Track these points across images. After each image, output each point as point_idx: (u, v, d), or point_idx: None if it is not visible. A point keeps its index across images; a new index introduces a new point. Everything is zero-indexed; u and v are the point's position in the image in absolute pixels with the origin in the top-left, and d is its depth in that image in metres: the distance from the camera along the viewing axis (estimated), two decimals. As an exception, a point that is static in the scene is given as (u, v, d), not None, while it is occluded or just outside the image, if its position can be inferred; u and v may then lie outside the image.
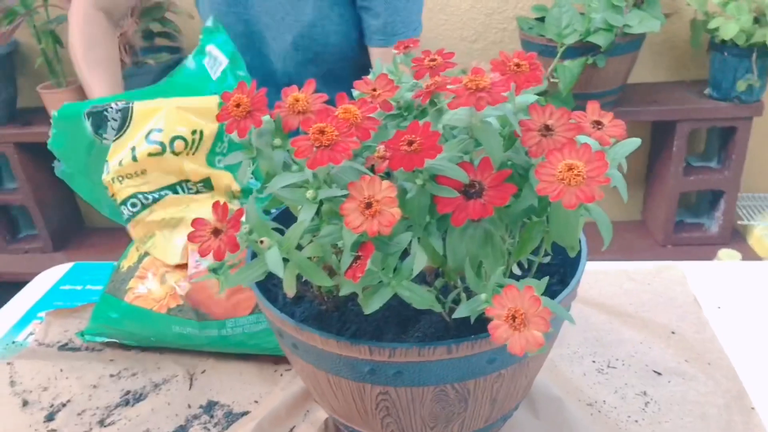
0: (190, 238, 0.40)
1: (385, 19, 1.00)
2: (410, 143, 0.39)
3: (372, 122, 0.42)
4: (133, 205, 0.72)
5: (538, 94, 0.46)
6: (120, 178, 0.71)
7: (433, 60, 0.49)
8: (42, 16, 1.80)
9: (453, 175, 0.39)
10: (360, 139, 0.40)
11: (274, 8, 1.00)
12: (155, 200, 0.72)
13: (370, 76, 0.50)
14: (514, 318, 0.36)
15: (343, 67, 1.07)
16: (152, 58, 1.78)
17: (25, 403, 0.68)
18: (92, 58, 0.98)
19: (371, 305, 0.42)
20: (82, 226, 2.20)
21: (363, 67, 1.08)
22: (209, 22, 0.79)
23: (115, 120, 0.71)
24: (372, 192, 0.38)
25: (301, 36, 0.99)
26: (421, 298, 0.41)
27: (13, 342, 0.80)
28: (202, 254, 0.39)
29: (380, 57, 0.97)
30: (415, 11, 1.05)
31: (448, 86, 0.42)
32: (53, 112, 0.74)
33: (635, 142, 0.43)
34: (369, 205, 0.38)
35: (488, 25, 1.88)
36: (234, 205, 0.63)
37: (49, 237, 2.04)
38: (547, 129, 0.41)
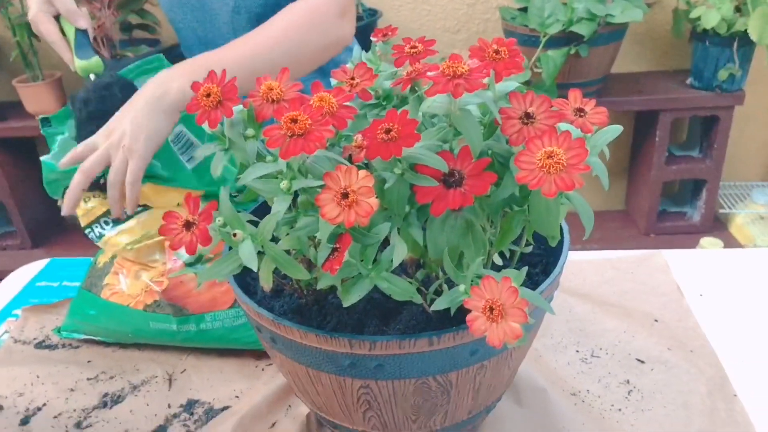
0: (162, 231, 0.38)
1: None
2: (387, 131, 0.38)
3: (348, 111, 0.41)
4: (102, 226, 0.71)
5: (522, 84, 0.45)
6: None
7: (414, 47, 0.48)
8: (17, 8, 1.76)
9: (432, 164, 0.39)
10: (336, 128, 0.39)
11: None
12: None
13: (348, 64, 0.49)
14: (491, 309, 0.35)
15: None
16: (131, 50, 1.75)
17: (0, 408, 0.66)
18: None
19: (350, 298, 0.41)
20: (60, 222, 2.16)
21: None
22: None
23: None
24: (348, 182, 0.37)
25: None
26: (401, 289, 0.41)
27: (-12, 341, 0.79)
28: (173, 248, 0.37)
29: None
30: None
31: (428, 74, 0.41)
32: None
33: (617, 129, 0.43)
34: (345, 196, 0.37)
35: (471, 16, 1.87)
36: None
37: (27, 233, 2.01)
38: (528, 117, 0.40)
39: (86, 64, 0.75)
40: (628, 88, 1.78)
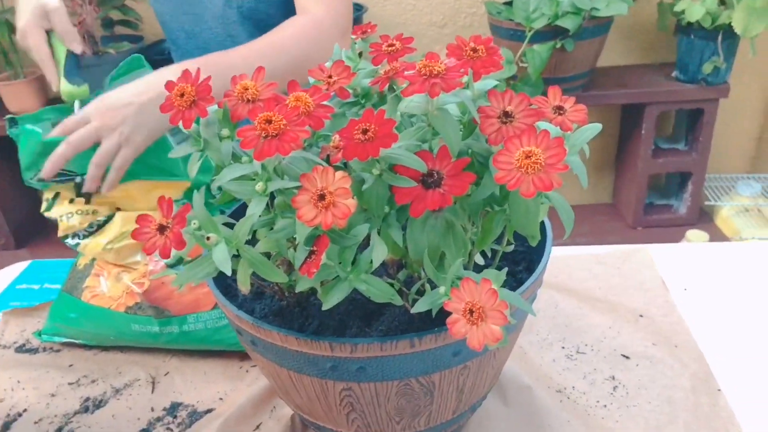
0: (134, 235, 0.38)
1: None
2: (364, 131, 0.37)
3: (325, 110, 0.40)
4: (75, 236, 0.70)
5: (508, 79, 0.44)
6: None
7: (392, 45, 0.47)
8: (-5, 4, 1.74)
9: (410, 164, 0.38)
10: (312, 128, 0.38)
11: None
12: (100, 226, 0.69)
13: (327, 63, 0.48)
14: (471, 312, 0.35)
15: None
16: (113, 47, 1.73)
17: None
18: None
19: (330, 300, 0.40)
20: (45, 223, 2.13)
21: None
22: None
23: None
24: (325, 183, 0.37)
25: None
26: (380, 291, 0.40)
27: (-33, 345, 0.77)
28: (147, 252, 0.37)
29: None
30: None
31: (405, 73, 0.40)
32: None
33: (596, 127, 0.42)
34: (322, 197, 0.36)
35: (457, 10, 1.86)
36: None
37: (10, 234, 1.99)
38: (507, 115, 0.40)
39: (73, 90, 0.73)
40: (614, 81, 1.78)
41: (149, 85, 0.67)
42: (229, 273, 0.36)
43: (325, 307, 0.40)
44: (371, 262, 0.40)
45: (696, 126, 1.80)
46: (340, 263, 0.39)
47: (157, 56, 1.79)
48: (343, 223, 0.36)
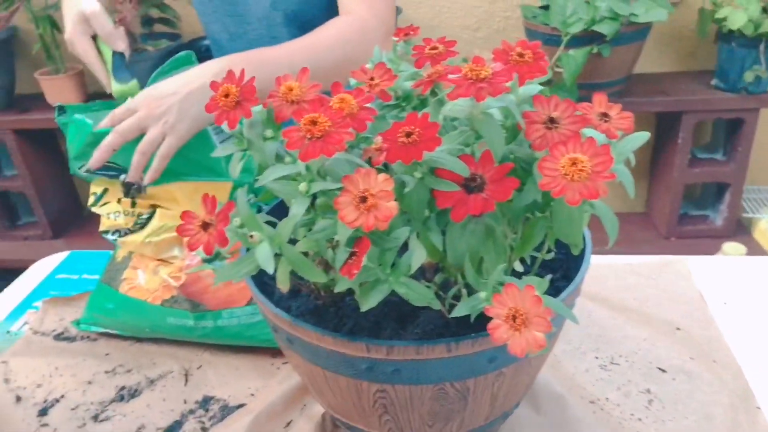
0: (179, 231, 0.38)
1: None
2: (408, 135, 0.37)
3: (368, 112, 0.40)
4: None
5: (541, 84, 0.44)
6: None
7: (435, 48, 0.47)
8: (40, 1, 1.78)
9: (453, 168, 0.38)
10: (356, 130, 0.39)
11: None
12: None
13: (368, 64, 0.49)
14: (514, 318, 0.35)
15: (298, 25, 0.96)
16: (151, 44, 1.76)
17: (18, 399, 0.67)
18: None
19: (368, 302, 0.40)
20: (80, 213, 2.19)
21: None
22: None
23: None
24: (367, 185, 0.37)
25: None
26: (419, 295, 0.40)
27: (8, 332, 0.79)
28: (191, 249, 0.37)
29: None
30: None
31: (449, 76, 0.40)
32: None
33: (644, 136, 0.42)
34: (364, 199, 0.36)
35: (491, 13, 1.85)
36: None
37: (48, 224, 2.04)
38: (552, 121, 0.39)
39: (124, 88, 0.74)
40: (651, 88, 1.75)
41: (195, 76, 0.68)
42: (271, 272, 0.36)
43: (363, 309, 0.40)
44: (410, 265, 0.40)
45: (735, 136, 1.75)
46: (380, 265, 0.39)
47: (196, 53, 1.82)
48: (385, 225, 0.36)
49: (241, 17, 0.95)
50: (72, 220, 2.14)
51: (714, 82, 1.75)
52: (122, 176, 0.68)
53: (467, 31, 1.88)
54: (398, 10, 1.76)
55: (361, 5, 0.83)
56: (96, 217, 0.73)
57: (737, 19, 1.54)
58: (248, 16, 0.95)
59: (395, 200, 0.37)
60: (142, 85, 0.74)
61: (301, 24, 0.95)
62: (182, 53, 0.75)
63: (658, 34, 1.81)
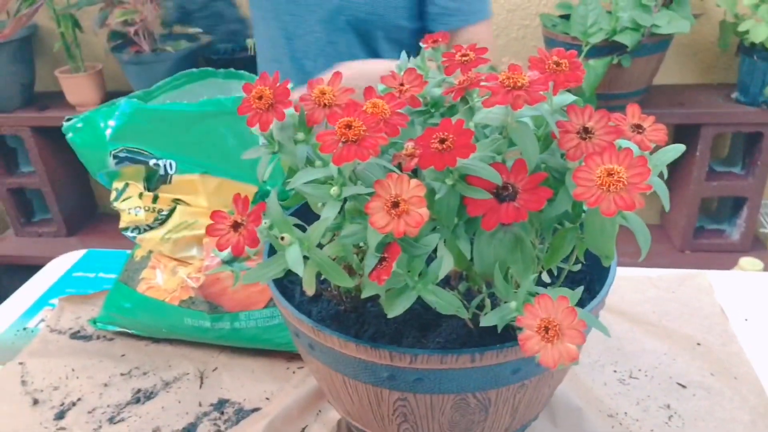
0: (208, 231, 0.38)
1: None
2: (442, 141, 0.37)
3: (400, 118, 0.40)
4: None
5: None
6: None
7: (465, 56, 0.47)
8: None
9: (486, 176, 0.37)
10: (388, 135, 0.38)
11: None
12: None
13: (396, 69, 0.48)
14: (546, 330, 0.34)
15: (387, 42, 0.97)
16: (171, 45, 1.77)
17: (35, 402, 0.67)
18: None
19: (395, 309, 0.40)
20: (95, 212, 2.20)
21: (408, 46, 0.97)
22: None
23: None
24: (399, 191, 0.36)
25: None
26: (447, 303, 0.40)
27: (24, 328, 0.80)
28: (221, 248, 0.37)
29: (466, 40, 0.88)
30: None
31: (483, 83, 0.40)
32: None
33: (679, 148, 0.41)
34: (396, 205, 0.36)
35: (510, 21, 1.85)
36: None
37: (63, 221, 2.05)
38: (586, 131, 0.39)
39: None
40: (670, 100, 1.74)
41: (360, 71, 0.68)
42: (301, 274, 0.36)
43: (390, 315, 0.40)
44: (438, 273, 0.40)
45: (754, 150, 1.73)
46: (408, 272, 0.39)
47: (213, 56, 1.82)
48: (416, 231, 0.36)
49: (302, 18, 0.95)
50: (87, 219, 2.15)
51: (734, 95, 1.73)
52: (152, 161, 0.68)
53: (485, 38, 1.87)
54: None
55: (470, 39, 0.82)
56: (110, 217, 0.73)
57: (760, 32, 1.52)
58: (310, 17, 0.95)
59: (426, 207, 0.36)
60: (151, 84, 0.75)
61: (362, 32, 0.96)
62: (199, 69, 0.76)
63: (678, 46, 1.80)
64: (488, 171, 0.37)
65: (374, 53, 0.99)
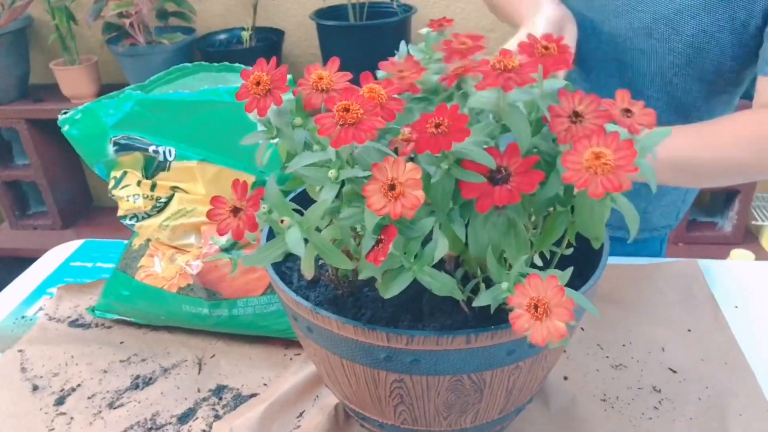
0: (209, 215, 0.39)
1: None
2: (437, 126, 0.38)
3: (397, 103, 0.40)
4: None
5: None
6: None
7: (464, 43, 0.47)
8: (56, -8, 1.79)
9: (480, 160, 0.38)
10: (385, 119, 0.39)
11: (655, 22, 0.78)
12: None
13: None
14: (536, 307, 0.35)
15: (685, 73, 0.81)
16: (166, 37, 1.77)
17: (35, 388, 0.67)
18: None
19: (391, 290, 0.41)
20: (90, 205, 2.20)
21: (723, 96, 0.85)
22: None
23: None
24: (396, 174, 0.37)
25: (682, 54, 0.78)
26: (442, 284, 0.41)
27: (23, 317, 0.80)
28: (221, 233, 0.38)
29: None
30: None
31: (475, 67, 0.41)
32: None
33: (666, 131, 0.42)
34: (392, 187, 0.37)
35: (506, 15, 1.85)
36: None
37: (58, 214, 2.05)
38: (577, 115, 0.40)
39: None
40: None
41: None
42: (302, 255, 0.37)
43: (386, 296, 0.41)
44: (433, 255, 0.40)
45: (746, 143, 1.75)
46: (404, 254, 0.39)
47: (209, 48, 1.82)
48: (412, 213, 0.36)
49: (638, 66, 0.83)
50: (82, 211, 2.15)
51: (726, 88, 1.75)
52: (151, 147, 0.69)
53: (481, 32, 1.88)
54: (413, 10, 1.76)
55: None
56: (105, 209, 0.74)
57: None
58: (646, 67, 0.82)
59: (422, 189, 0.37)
60: (146, 76, 0.76)
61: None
62: (193, 63, 0.76)
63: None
64: (482, 155, 0.38)
65: None
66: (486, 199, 0.39)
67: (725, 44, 0.77)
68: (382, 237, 0.38)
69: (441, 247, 0.40)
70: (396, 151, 0.42)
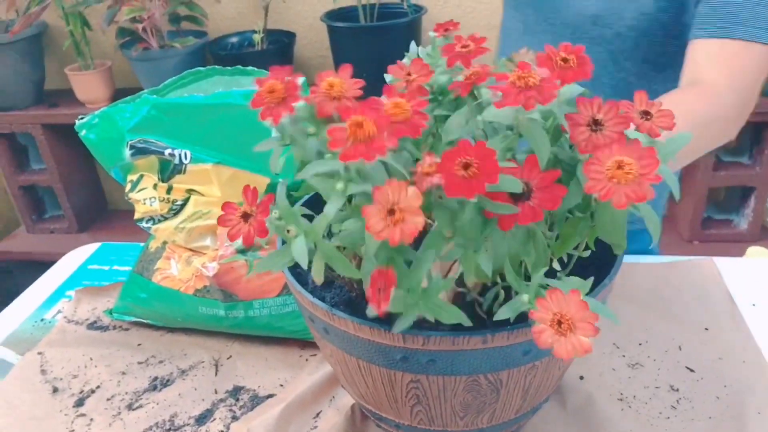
0: (220, 221, 0.39)
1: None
2: (466, 167, 0.35)
3: (422, 117, 0.40)
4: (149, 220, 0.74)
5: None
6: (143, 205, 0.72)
7: (466, 46, 0.47)
8: (70, -3, 1.81)
9: (509, 189, 0.37)
10: (410, 136, 0.39)
11: None
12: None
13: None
14: (560, 323, 0.35)
15: (634, 57, 0.85)
16: (178, 41, 1.78)
17: (55, 390, 0.68)
18: None
19: (400, 325, 0.41)
20: (105, 208, 2.22)
21: (660, 65, 0.87)
22: None
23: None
24: (397, 198, 0.35)
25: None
26: (449, 314, 0.40)
27: (42, 320, 0.81)
28: (232, 239, 0.38)
29: (707, 54, 0.74)
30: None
31: (493, 83, 0.40)
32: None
33: (687, 136, 0.42)
34: (392, 212, 0.35)
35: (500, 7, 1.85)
36: None
37: (74, 218, 2.07)
38: (596, 123, 0.39)
39: None
40: (677, 90, 1.73)
41: None
42: (305, 266, 0.37)
43: (395, 331, 0.41)
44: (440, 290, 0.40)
45: (761, 139, 1.73)
46: (408, 291, 0.39)
47: (221, 51, 1.84)
48: (410, 240, 0.35)
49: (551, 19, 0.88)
50: (97, 215, 2.17)
51: (741, 84, 1.73)
52: (167, 151, 0.70)
53: (494, 30, 1.88)
54: (423, 10, 1.76)
55: (718, 73, 0.70)
56: (121, 213, 0.75)
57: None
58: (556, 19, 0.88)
59: (423, 216, 0.35)
60: (159, 80, 0.76)
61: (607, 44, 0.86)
62: (206, 68, 0.77)
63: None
64: (511, 183, 0.37)
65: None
66: (509, 218, 0.37)
67: (667, 24, 0.81)
68: (380, 287, 0.37)
69: (443, 285, 0.39)
70: (411, 175, 0.40)
